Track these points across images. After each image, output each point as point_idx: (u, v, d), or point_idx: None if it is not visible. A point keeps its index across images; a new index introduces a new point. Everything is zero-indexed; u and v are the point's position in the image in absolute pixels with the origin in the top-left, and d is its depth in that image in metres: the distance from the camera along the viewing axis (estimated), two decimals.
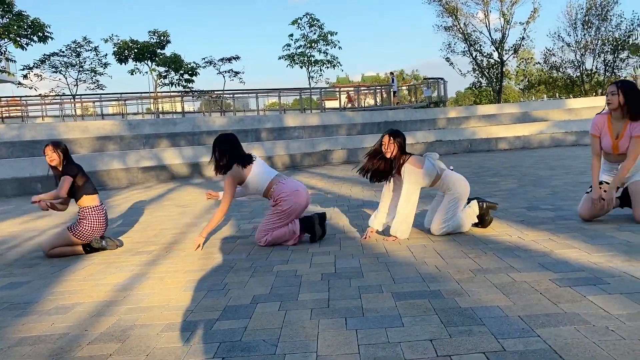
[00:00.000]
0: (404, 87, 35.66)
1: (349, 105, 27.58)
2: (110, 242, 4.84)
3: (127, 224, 6.35)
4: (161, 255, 4.45)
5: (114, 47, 27.22)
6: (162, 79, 28.60)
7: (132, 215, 7.24)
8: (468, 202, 4.54)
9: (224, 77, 30.08)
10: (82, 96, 27.60)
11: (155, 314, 2.85)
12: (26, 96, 26.50)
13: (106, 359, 2.28)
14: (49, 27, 24.04)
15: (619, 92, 4.31)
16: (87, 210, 4.68)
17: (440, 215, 4.36)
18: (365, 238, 4.49)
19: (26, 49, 23.68)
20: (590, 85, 34.55)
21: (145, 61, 27.94)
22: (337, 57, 30.03)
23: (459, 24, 34.80)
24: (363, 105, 28.56)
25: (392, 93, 28.69)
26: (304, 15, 29.21)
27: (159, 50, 27.75)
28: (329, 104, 30.98)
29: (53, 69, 27.90)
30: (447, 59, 35.73)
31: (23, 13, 23.05)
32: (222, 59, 29.19)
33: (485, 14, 34.49)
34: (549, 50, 35.98)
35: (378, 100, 28.98)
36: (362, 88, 32.56)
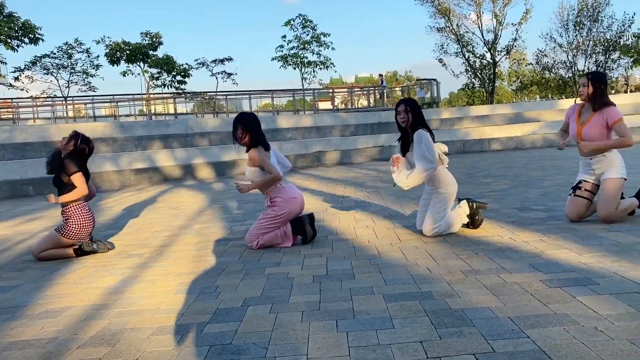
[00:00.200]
0: (397, 88, 35.73)
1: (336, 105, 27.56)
2: (102, 245, 4.81)
3: (118, 227, 6.32)
4: (153, 258, 4.44)
5: (105, 49, 27.06)
6: (154, 81, 28.46)
7: (124, 217, 7.20)
8: (458, 202, 4.57)
9: (216, 78, 29.97)
10: (74, 98, 27.43)
11: (146, 318, 2.84)
12: (17, 98, 26.31)
13: None
14: (40, 29, 23.91)
15: (589, 83, 4.39)
16: (70, 209, 4.64)
17: (431, 216, 4.37)
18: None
19: (17, 51, 23.53)
20: None
21: (138, 63, 27.78)
22: (330, 59, 30.04)
23: (451, 25, 34.89)
24: (356, 106, 28.59)
25: (384, 94, 28.74)
26: (297, 17, 29.21)
27: (151, 52, 27.60)
28: (322, 105, 30.98)
29: (44, 71, 27.72)
30: (440, 60, 35.82)
31: (14, 14, 22.90)
32: (214, 61, 29.06)
33: (477, 15, 34.61)
34: (541, 51, 36.14)
35: (371, 101, 29.01)
36: (355, 89, 32.56)
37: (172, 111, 25.27)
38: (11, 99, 26.48)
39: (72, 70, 28.27)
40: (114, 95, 26.59)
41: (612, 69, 33.67)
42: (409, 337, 2.30)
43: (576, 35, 33.70)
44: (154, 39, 27.45)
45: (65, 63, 27.75)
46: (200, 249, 4.65)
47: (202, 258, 4.28)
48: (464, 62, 35.96)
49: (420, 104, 25.44)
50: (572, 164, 10.40)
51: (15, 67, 27.11)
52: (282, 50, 29.92)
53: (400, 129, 4.54)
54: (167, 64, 27.53)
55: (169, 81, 28.58)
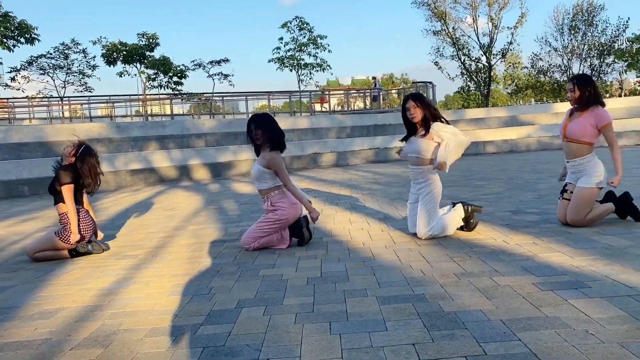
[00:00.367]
0: (393, 91, 35.79)
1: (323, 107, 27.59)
2: (97, 246, 4.81)
3: (114, 228, 6.32)
4: (147, 259, 4.44)
5: (102, 49, 27.03)
6: (151, 82, 28.42)
7: (119, 218, 7.20)
8: (453, 206, 4.59)
9: (213, 80, 29.97)
10: (70, 98, 27.37)
11: (140, 319, 2.85)
12: (13, 98, 26.22)
13: None
14: (36, 29, 23.86)
15: (574, 88, 4.45)
16: (66, 216, 4.64)
17: (423, 218, 4.39)
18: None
19: (13, 51, 23.47)
20: None
21: (134, 63, 27.76)
22: (326, 61, 30.09)
23: (447, 28, 35.04)
24: (353, 108, 28.62)
25: (380, 97, 28.78)
26: (293, 19, 29.25)
27: (147, 53, 27.58)
28: (318, 107, 31.00)
29: (41, 71, 27.64)
30: (436, 63, 35.97)
31: (10, 14, 22.84)
32: (211, 62, 29.06)
33: (473, 18, 34.77)
34: (536, 54, 36.33)
35: (367, 103, 29.05)
36: (351, 91, 32.59)
37: (168, 112, 25.26)
38: (7, 99, 26.39)
39: (69, 71, 28.21)
40: (110, 95, 26.55)
41: (607, 73, 33.91)
42: (402, 339, 2.31)
43: (571, 39, 33.92)
44: (151, 40, 27.43)
45: (61, 63, 27.69)
46: (195, 251, 4.65)
47: (197, 259, 4.28)
48: (459, 65, 36.14)
49: None
50: None
51: (12, 67, 27.02)
52: (278, 52, 29.96)
53: (408, 127, 4.53)
54: (164, 65, 27.49)
55: (166, 82, 28.54)
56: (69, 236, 4.61)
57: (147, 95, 27.70)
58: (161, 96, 28.31)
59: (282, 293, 3.15)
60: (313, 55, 29.73)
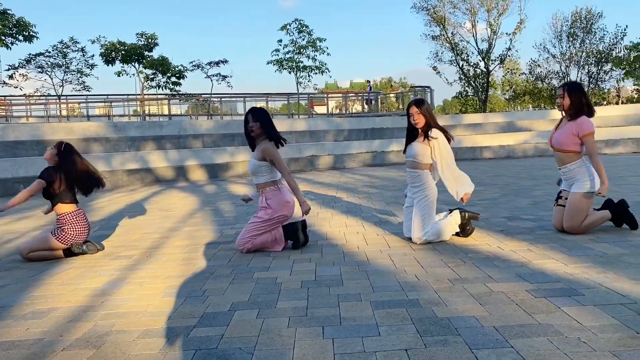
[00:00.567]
0: (391, 95, 35.85)
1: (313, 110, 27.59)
2: (91, 246, 4.79)
3: (109, 228, 6.30)
4: (142, 260, 4.43)
5: (101, 49, 27.02)
6: (149, 82, 28.42)
7: (114, 218, 7.18)
8: (450, 212, 4.59)
9: (211, 80, 30.02)
10: (68, 97, 27.34)
11: (133, 320, 2.84)
12: (10, 96, 26.18)
13: None
14: (35, 27, 23.83)
15: (565, 94, 4.46)
16: (66, 217, 4.64)
17: (418, 223, 4.39)
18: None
19: (11, 48, 23.43)
20: None
21: (133, 63, 27.76)
22: (325, 63, 30.16)
23: (446, 33, 35.12)
24: (350, 111, 28.66)
25: (371, 101, 28.82)
26: (293, 21, 29.33)
27: (146, 53, 27.59)
28: (317, 109, 31.03)
29: (39, 69, 27.61)
30: (434, 68, 36.05)
31: (8, 12, 22.81)
32: (209, 63, 29.09)
33: (472, 24, 34.87)
34: (534, 61, 36.50)
35: (365, 106, 29.10)
36: (349, 95, 32.64)
37: (166, 112, 25.23)
38: (4, 96, 26.34)
39: (67, 69, 28.19)
40: (108, 95, 26.54)
41: (604, 81, 34.11)
42: (395, 344, 2.31)
43: (569, 46, 34.08)
44: (150, 40, 27.43)
45: (60, 62, 27.67)
46: (189, 252, 4.65)
47: (191, 261, 4.27)
48: (457, 71, 36.22)
49: None
50: None
51: (10, 65, 27.00)
52: (277, 54, 30.01)
53: (410, 133, 4.56)
54: (162, 65, 27.51)
55: (164, 82, 28.56)
56: (65, 236, 4.60)
57: (145, 95, 27.69)
58: (159, 96, 28.32)
59: (276, 296, 3.15)
60: (312, 58, 29.81)
